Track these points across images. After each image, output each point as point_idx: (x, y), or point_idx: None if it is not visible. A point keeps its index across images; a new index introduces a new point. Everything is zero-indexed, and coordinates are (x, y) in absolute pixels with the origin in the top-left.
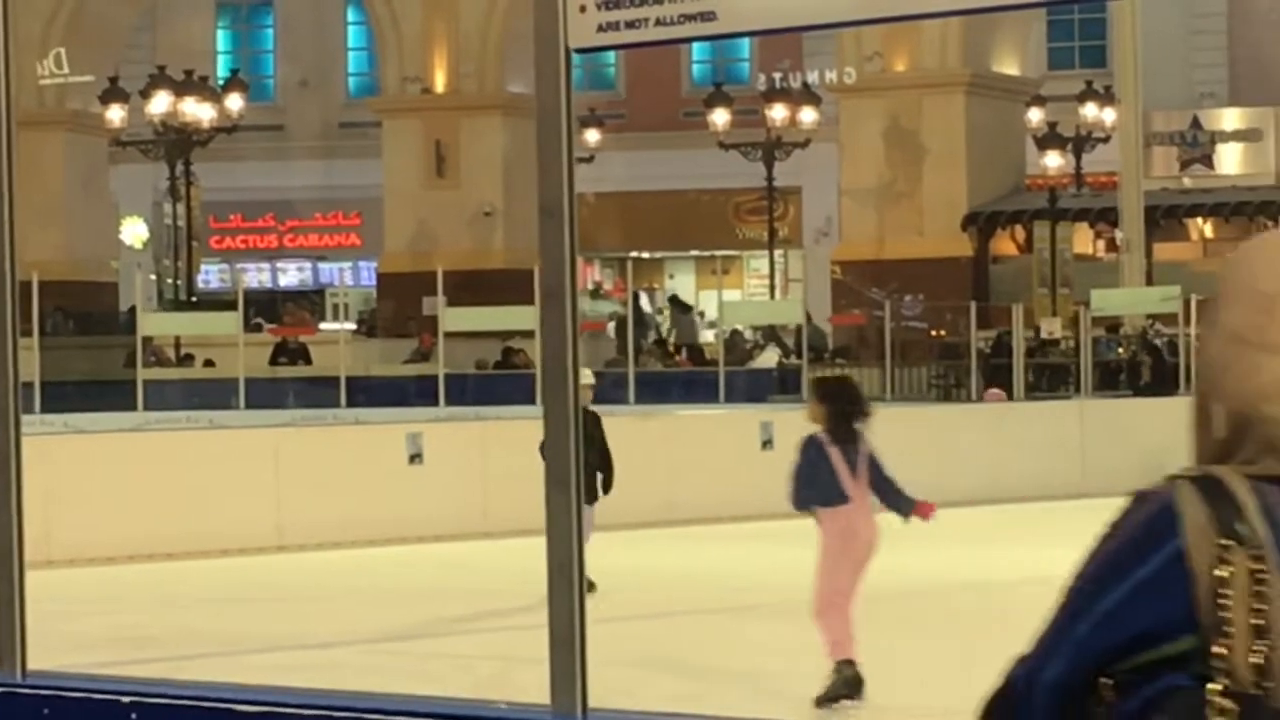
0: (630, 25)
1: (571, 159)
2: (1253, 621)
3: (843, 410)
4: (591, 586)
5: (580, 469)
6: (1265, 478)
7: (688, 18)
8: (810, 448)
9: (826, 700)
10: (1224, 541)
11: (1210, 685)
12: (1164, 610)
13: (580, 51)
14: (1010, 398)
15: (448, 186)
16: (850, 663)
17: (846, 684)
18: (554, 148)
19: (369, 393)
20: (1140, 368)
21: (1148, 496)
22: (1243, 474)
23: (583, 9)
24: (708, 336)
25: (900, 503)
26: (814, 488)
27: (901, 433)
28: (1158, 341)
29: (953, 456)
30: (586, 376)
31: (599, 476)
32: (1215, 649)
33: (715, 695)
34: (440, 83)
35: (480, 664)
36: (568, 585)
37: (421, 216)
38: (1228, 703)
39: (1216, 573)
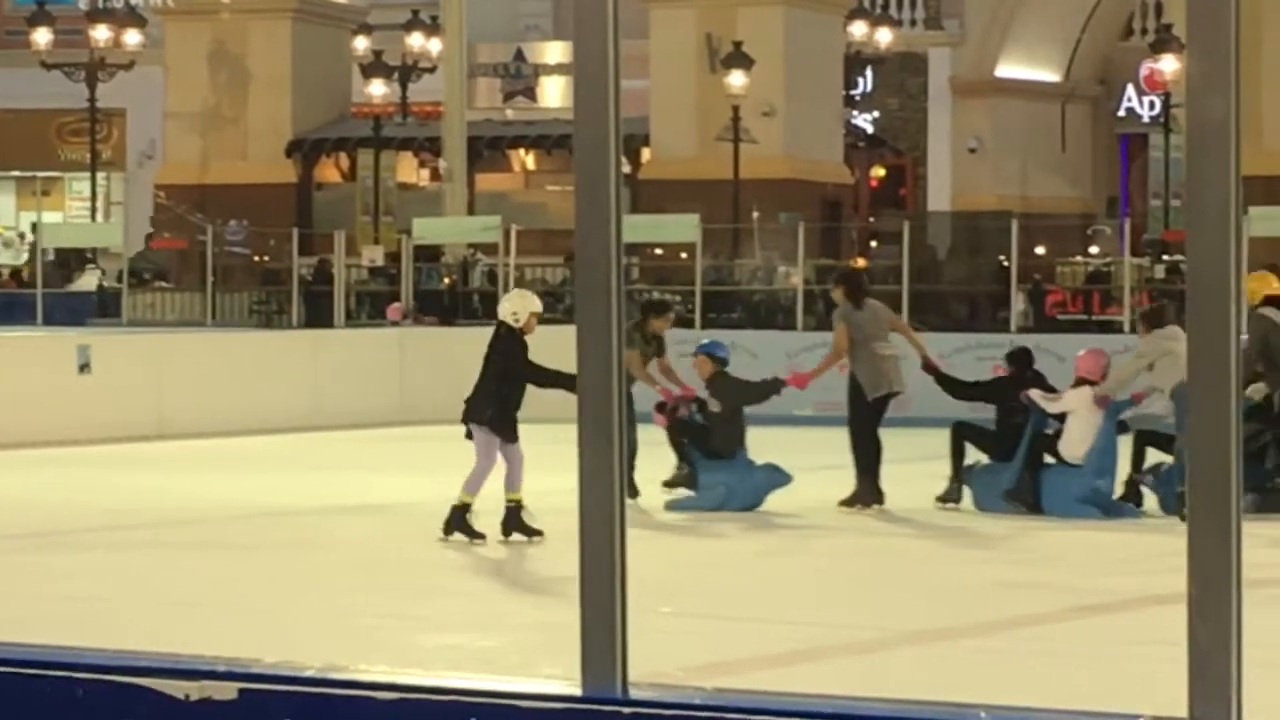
0: None
1: None
2: None
3: None
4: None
5: None
6: None
7: None
8: None
9: None
10: None
11: None
12: None
13: None
14: (332, 324)
15: None
16: None
17: None
18: None
19: None
20: (458, 296)
21: None
22: None
23: None
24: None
25: None
26: None
27: (222, 358)
28: (478, 271)
29: (273, 383)
30: (535, 303)
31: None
32: None
33: (15, 626)
34: None
35: None
36: None
37: None
38: None
39: None
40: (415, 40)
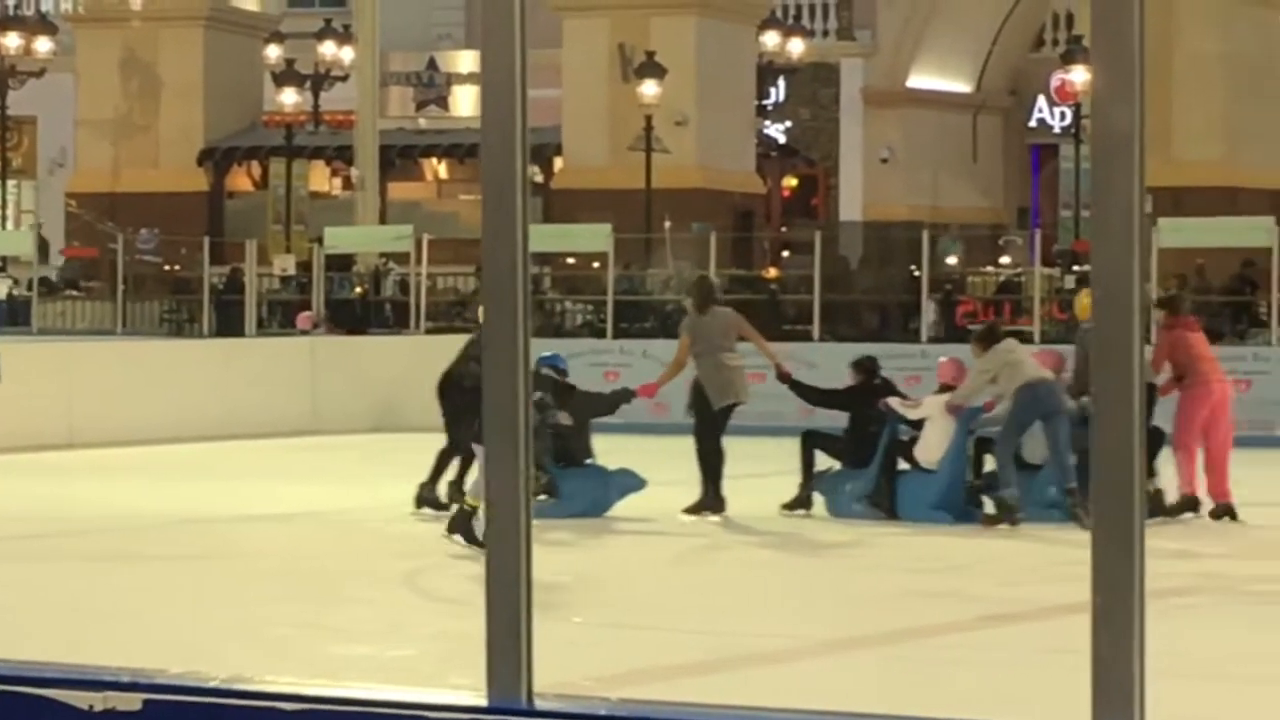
0: None
1: None
2: None
3: None
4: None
5: None
6: None
7: None
8: None
9: None
10: None
11: None
12: None
13: None
14: (243, 333)
15: None
16: None
17: None
18: None
19: None
20: (370, 306)
21: None
22: None
23: None
24: None
25: None
26: None
27: (132, 367)
28: (389, 280)
29: (184, 392)
30: None
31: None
32: None
33: None
34: None
35: None
36: None
37: None
38: None
39: None
40: (327, 49)
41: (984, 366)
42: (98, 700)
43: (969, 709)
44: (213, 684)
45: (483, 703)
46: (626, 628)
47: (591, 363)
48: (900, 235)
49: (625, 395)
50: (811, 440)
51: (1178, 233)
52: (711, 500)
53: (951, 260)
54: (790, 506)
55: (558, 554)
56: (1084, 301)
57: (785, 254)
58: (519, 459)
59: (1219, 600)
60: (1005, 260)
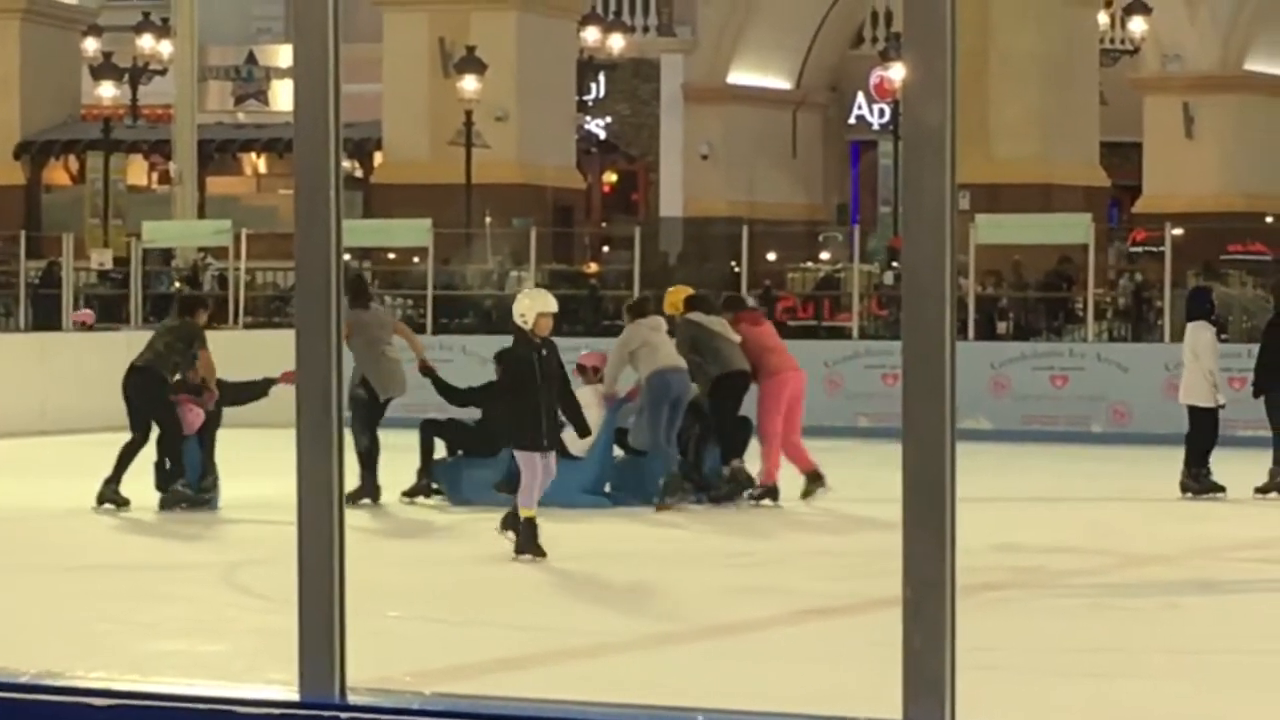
0: None
1: None
2: None
3: None
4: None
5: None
6: None
7: None
8: None
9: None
10: None
11: None
12: None
13: None
14: (62, 328)
15: None
16: None
17: None
18: None
19: None
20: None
21: None
22: None
23: None
24: None
25: None
26: None
27: None
28: (208, 274)
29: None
30: (550, 304)
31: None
32: None
33: None
34: None
35: None
36: None
37: None
38: None
39: None
40: (146, 42)
41: (624, 339)
42: None
43: (782, 703)
44: (22, 679)
45: (295, 697)
46: (442, 622)
47: (412, 358)
48: (720, 231)
49: (264, 386)
50: (431, 428)
51: (996, 229)
52: (370, 488)
53: (824, 256)
54: (410, 494)
55: (379, 545)
56: (672, 299)
57: (605, 249)
58: (332, 456)
59: (1032, 594)
60: (825, 256)
